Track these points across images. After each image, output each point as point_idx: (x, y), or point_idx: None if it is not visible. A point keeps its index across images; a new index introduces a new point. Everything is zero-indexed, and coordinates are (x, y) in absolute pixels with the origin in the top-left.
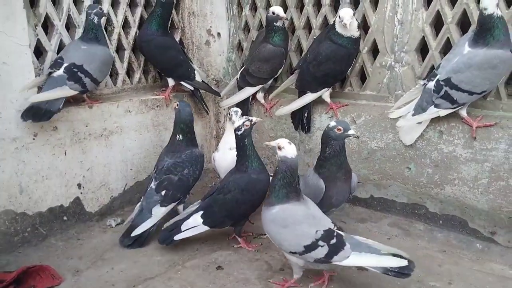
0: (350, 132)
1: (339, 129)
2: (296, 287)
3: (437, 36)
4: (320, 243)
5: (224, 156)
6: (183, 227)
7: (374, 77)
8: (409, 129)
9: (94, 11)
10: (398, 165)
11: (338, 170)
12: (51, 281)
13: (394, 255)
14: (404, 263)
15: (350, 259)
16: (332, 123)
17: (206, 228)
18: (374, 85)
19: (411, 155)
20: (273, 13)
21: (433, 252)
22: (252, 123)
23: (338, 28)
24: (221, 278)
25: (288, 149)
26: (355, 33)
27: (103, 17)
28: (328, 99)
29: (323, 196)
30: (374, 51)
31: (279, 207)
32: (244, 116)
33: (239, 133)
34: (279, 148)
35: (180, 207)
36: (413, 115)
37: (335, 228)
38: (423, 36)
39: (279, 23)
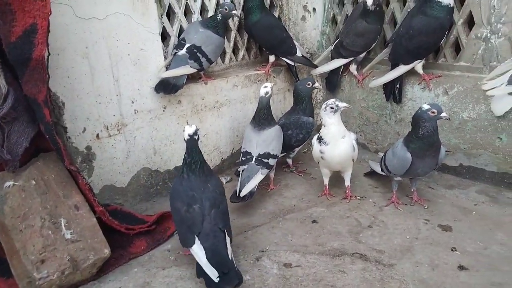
0: (443, 114)
1: (433, 112)
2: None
3: None
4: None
5: (336, 148)
6: None
7: (468, 49)
8: (502, 100)
9: (220, 9)
10: (490, 135)
11: (429, 148)
12: None
13: None
14: None
15: None
16: (426, 106)
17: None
18: (468, 56)
19: (503, 126)
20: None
21: None
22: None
23: None
24: (316, 230)
25: (263, 90)
26: (452, 2)
27: (230, 16)
28: (420, 71)
29: (410, 167)
30: (470, 22)
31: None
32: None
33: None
34: (264, 86)
35: (289, 160)
36: (507, 85)
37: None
38: None
39: (372, 8)
